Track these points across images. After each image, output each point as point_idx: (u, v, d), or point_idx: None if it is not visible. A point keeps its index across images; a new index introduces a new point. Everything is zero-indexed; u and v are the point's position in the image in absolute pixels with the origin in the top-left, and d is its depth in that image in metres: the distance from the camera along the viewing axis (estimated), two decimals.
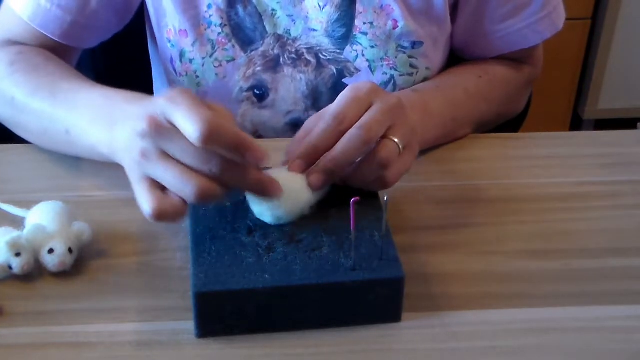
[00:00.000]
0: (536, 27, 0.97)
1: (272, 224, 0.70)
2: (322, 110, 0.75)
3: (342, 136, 0.70)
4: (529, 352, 0.66)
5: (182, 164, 0.64)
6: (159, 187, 0.66)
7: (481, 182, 0.87)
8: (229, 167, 0.64)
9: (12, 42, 0.93)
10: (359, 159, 0.71)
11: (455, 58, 1.04)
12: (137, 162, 0.66)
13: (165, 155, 0.65)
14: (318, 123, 0.72)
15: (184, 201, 0.65)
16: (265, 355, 0.65)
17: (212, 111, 0.63)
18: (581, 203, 0.84)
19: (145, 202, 0.65)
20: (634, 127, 2.04)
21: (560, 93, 2.24)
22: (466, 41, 1.00)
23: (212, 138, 0.62)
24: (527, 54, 1.02)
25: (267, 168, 0.72)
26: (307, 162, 0.71)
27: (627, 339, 0.68)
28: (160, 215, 0.65)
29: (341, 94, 0.73)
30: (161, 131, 0.64)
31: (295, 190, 0.70)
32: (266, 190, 0.68)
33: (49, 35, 0.92)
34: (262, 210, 0.70)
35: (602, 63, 2.22)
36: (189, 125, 0.62)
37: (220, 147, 0.63)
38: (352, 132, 0.70)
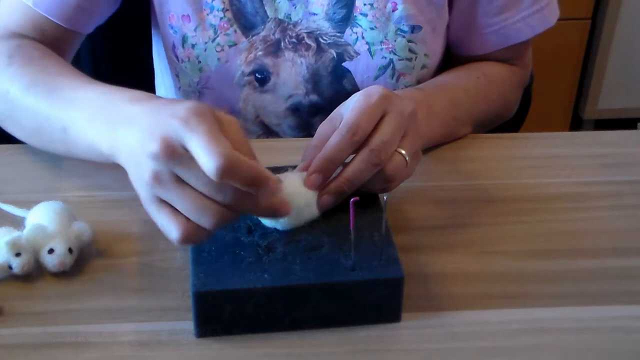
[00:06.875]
0: (529, 21, 0.98)
1: (280, 229, 0.70)
2: (333, 116, 0.74)
3: (356, 147, 0.71)
4: (528, 352, 0.66)
5: (196, 190, 0.63)
6: (178, 211, 0.64)
7: (481, 182, 0.87)
8: (243, 197, 0.63)
9: (13, 34, 0.92)
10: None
11: (453, 61, 1.04)
12: (148, 183, 0.63)
13: (179, 181, 0.63)
14: (330, 130, 0.72)
15: None
16: (265, 355, 0.65)
17: (228, 141, 0.61)
18: (581, 203, 0.84)
19: (172, 228, 0.63)
20: (634, 127, 2.04)
21: (560, 93, 2.24)
22: (461, 35, 1.01)
23: (229, 173, 0.59)
24: (518, 55, 1.03)
25: (284, 170, 0.73)
26: (324, 176, 0.71)
27: (627, 339, 0.68)
28: (188, 241, 0.64)
29: (354, 101, 0.72)
30: (175, 157, 0.62)
31: (302, 207, 0.70)
32: (277, 214, 0.66)
33: (42, 13, 0.90)
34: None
35: (602, 63, 2.22)
36: (206, 158, 0.59)
37: (236, 182, 0.61)
38: (365, 153, 0.70)
